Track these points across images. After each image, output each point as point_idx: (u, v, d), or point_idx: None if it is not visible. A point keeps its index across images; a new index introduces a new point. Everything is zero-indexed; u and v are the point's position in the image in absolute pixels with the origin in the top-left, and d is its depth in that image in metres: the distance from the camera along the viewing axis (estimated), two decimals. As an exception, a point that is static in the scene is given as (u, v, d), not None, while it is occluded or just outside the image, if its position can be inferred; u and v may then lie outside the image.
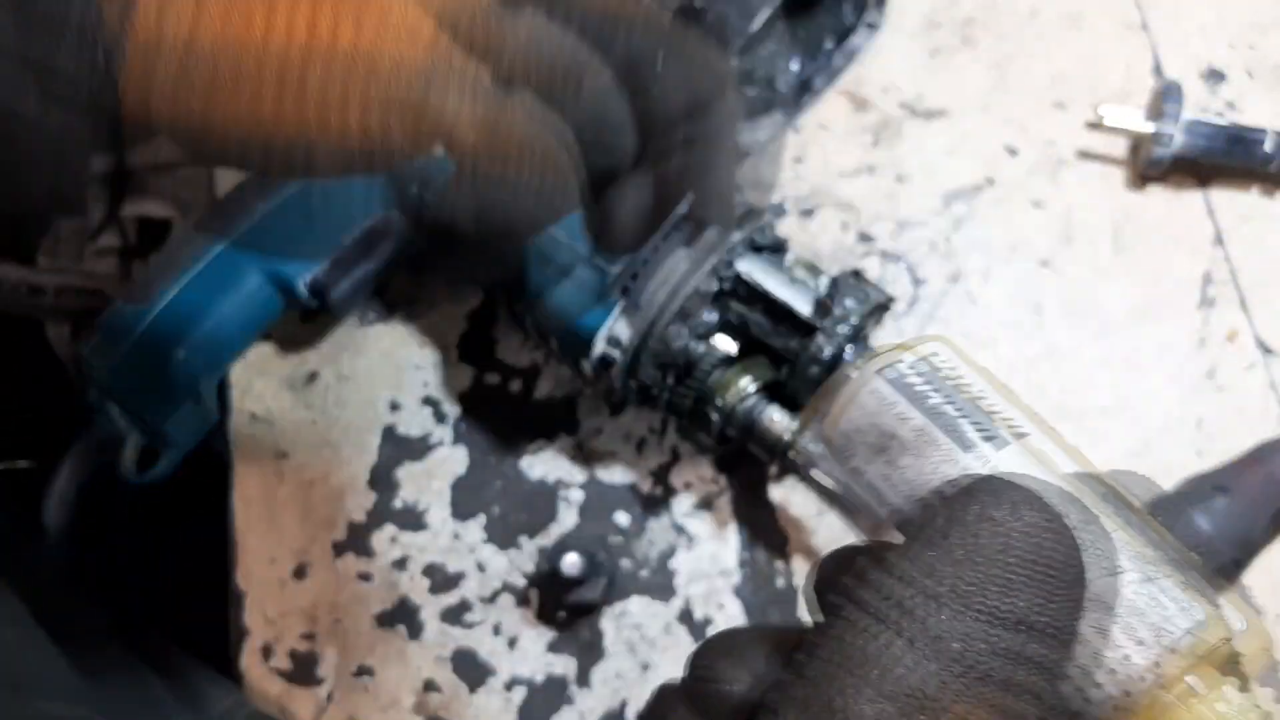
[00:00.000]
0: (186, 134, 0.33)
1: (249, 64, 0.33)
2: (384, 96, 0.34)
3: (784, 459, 0.58)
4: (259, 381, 0.69)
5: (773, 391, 0.59)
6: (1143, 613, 0.26)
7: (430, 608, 0.65)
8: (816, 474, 0.58)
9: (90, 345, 0.63)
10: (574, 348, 0.59)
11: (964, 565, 0.25)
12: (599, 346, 0.58)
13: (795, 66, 0.71)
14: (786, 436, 0.57)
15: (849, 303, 0.57)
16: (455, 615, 0.65)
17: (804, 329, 0.57)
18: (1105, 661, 0.25)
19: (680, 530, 0.66)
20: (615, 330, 0.58)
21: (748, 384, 0.58)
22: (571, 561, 0.61)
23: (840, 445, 0.30)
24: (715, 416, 0.58)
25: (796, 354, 0.57)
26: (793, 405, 0.58)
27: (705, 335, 0.59)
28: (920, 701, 0.24)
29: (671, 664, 0.64)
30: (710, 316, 0.59)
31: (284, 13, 0.33)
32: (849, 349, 0.57)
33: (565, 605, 0.63)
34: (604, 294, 0.57)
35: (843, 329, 0.57)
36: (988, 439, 0.28)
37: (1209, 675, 0.25)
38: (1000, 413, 0.29)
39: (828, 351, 0.57)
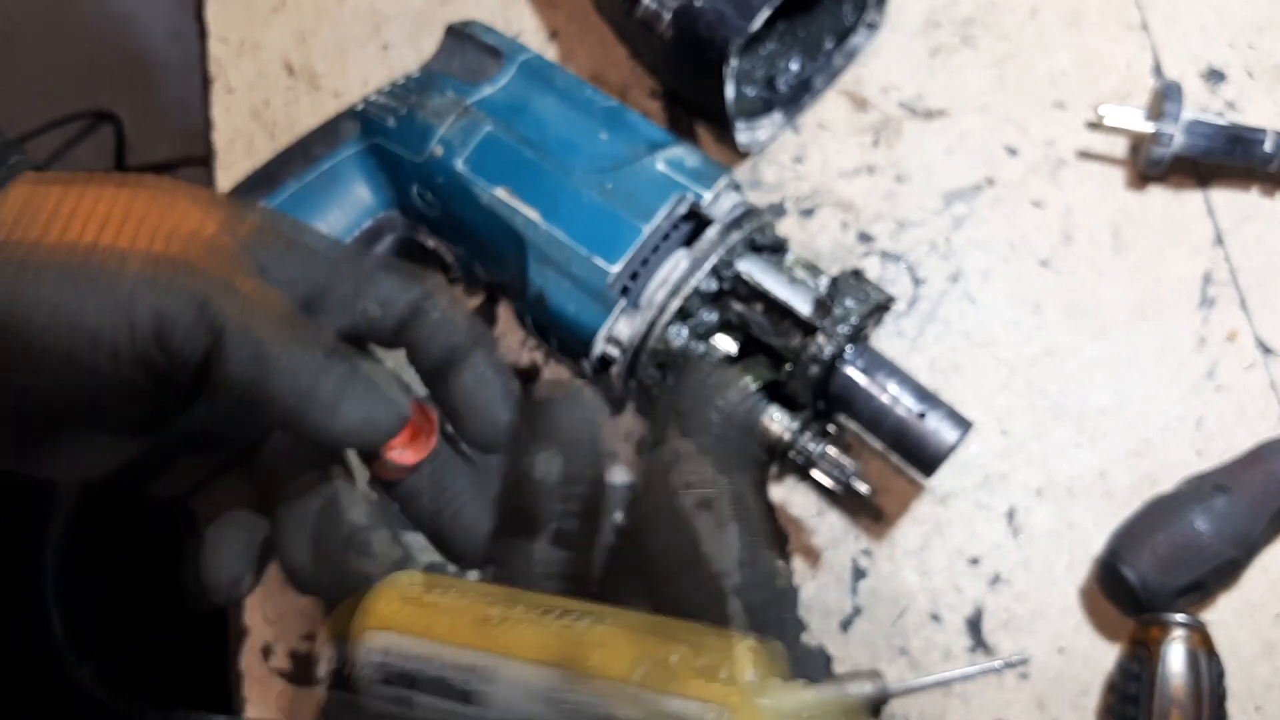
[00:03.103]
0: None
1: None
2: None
3: (784, 459, 0.58)
4: (259, 381, 0.69)
5: (773, 391, 0.59)
6: None
7: (430, 608, 0.65)
8: (816, 474, 0.58)
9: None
10: (574, 347, 0.59)
11: None
12: (599, 346, 0.58)
13: (795, 66, 0.71)
14: (786, 436, 0.57)
15: (849, 302, 0.57)
16: (455, 615, 0.65)
17: (804, 329, 0.57)
18: None
19: (680, 530, 0.66)
20: (615, 330, 0.57)
21: (748, 384, 0.58)
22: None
23: None
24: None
25: (796, 354, 0.57)
26: (792, 405, 0.58)
27: (705, 335, 0.59)
28: None
29: (671, 664, 0.64)
30: (710, 316, 0.59)
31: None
32: (849, 349, 0.57)
33: None
34: (604, 293, 0.57)
35: (843, 329, 0.57)
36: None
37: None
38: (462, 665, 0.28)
39: (828, 351, 0.57)
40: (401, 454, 0.40)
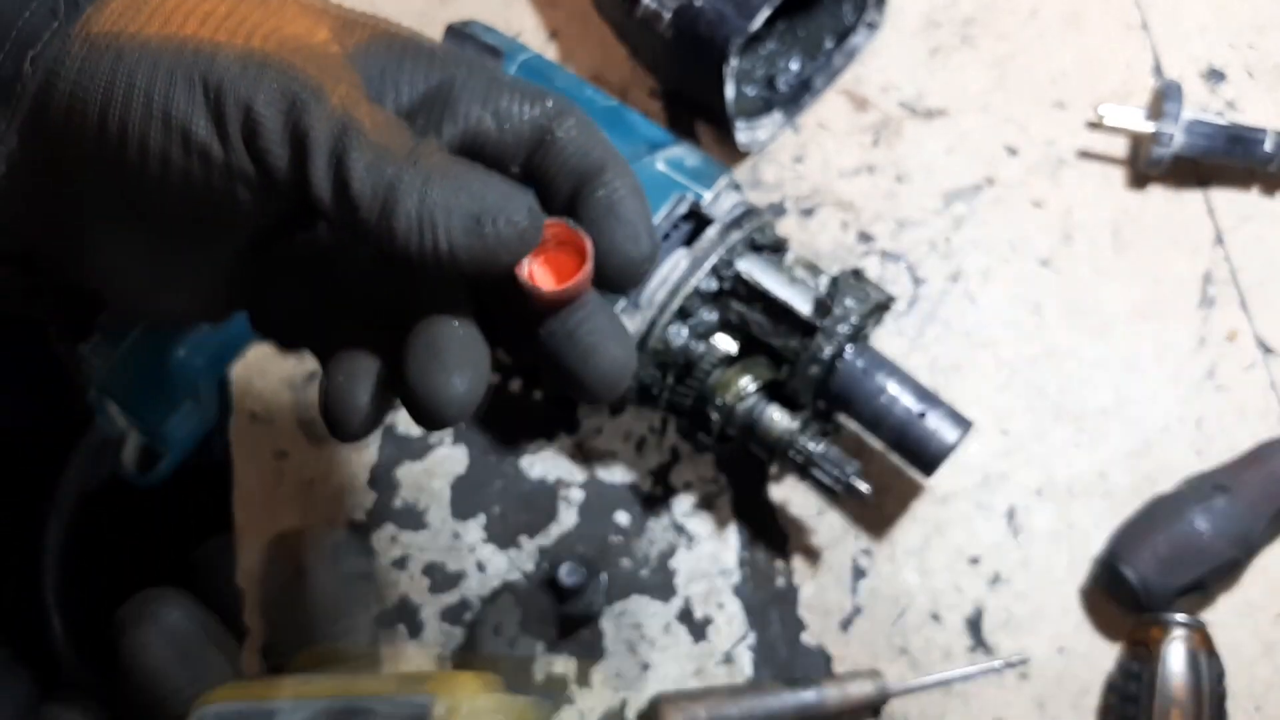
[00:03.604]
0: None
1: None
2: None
3: (784, 458, 0.58)
4: (259, 381, 0.69)
5: (773, 391, 0.59)
6: None
7: (430, 607, 0.65)
8: (816, 473, 0.58)
9: (90, 345, 0.63)
10: (574, 347, 0.59)
11: None
12: (599, 346, 0.58)
13: (795, 66, 0.71)
14: (786, 436, 0.57)
15: (849, 302, 0.57)
16: (455, 614, 0.65)
17: (804, 328, 0.57)
18: None
19: (680, 530, 0.66)
20: (615, 330, 0.58)
21: (748, 383, 0.58)
22: (568, 571, 0.61)
23: None
24: (715, 416, 0.58)
25: (796, 354, 0.57)
26: (793, 405, 0.58)
27: (705, 335, 0.59)
28: None
29: (671, 663, 0.64)
30: (710, 316, 0.59)
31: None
32: (849, 348, 0.57)
33: (562, 615, 0.63)
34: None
35: (843, 328, 0.57)
36: None
37: None
38: None
39: (827, 351, 0.57)
40: (545, 279, 0.33)
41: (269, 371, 0.69)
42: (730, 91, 0.65)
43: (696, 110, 0.72)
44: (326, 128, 0.32)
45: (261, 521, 0.66)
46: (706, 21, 0.63)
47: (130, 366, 0.62)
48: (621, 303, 0.57)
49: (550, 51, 0.74)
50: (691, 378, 0.58)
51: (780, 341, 0.58)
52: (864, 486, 0.57)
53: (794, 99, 0.71)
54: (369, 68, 0.35)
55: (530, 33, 0.75)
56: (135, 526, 0.77)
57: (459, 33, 0.65)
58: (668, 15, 0.65)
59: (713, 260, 0.57)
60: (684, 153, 0.60)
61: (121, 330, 0.62)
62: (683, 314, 0.58)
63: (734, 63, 0.64)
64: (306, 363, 0.69)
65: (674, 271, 0.57)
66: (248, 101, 0.32)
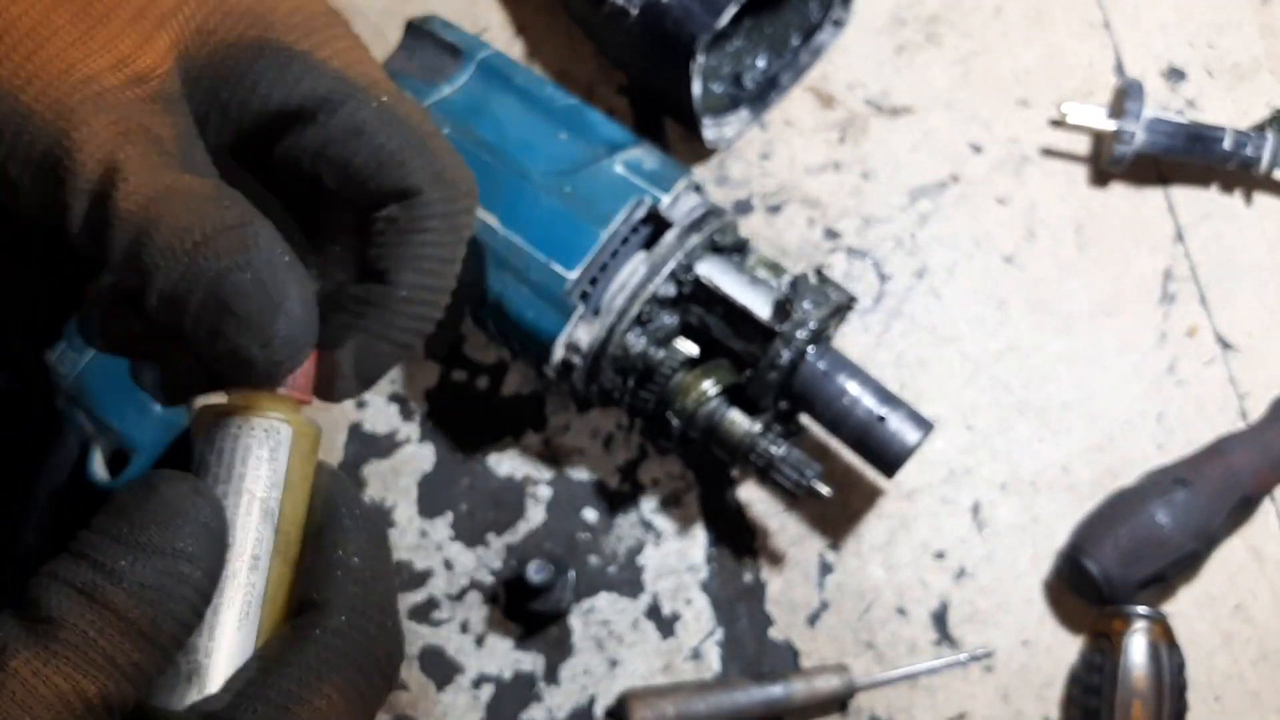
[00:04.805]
0: None
1: None
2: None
3: (745, 462, 0.58)
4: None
5: (734, 394, 0.59)
6: None
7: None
8: (776, 477, 0.58)
9: (57, 351, 0.63)
10: (534, 352, 0.58)
11: None
12: (559, 352, 0.58)
13: (762, 63, 0.72)
14: (747, 440, 0.57)
15: (807, 305, 0.57)
16: (423, 613, 0.65)
17: (763, 333, 0.57)
18: None
19: (648, 526, 0.66)
20: (575, 335, 0.57)
21: (709, 387, 0.58)
22: (536, 568, 0.61)
23: None
24: (675, 421, 0.58)
25: (756, 358, 0.57)
26: (755, 407, 0.58)
27: (665, 339, 0.59)
28: None
29: (639, 659, 0.64)
30: (670, 320, 0.59)
31: None
32: (811, 350, 0.58)
33: (530, 612, 0.63)
34: (562, 300, 0.57)
35: (801, 333, 0.57)
36: None
37: None
38: None
39: (786, 357, 0.57)
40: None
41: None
42: (697, 88, 0.65)
43: (663, 107, 0.72)
44: (82, 197, 0.31)
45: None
46: (673, 18, 0.63)
47: (97, 373, 0.61)
48: (580, 309, 0.57)
49: (516, 47, 0.74)
50: (652, 382, 0.58)
51: (740, 345, 0.58)
52: (825, 490, 0.57)
53: (761, 96, 0.71)
54: (215, 84, 0.33)
55: (496, 28, 0.74)
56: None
57: (418, 29, 0.65)
58: (635, 11, 0.65)
59: (671, 265, 0.57)
60: (643, 155, 0.60)
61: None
62: (641, 320, 0.58)
63: (701, 59, 0.64)
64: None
65: (632, 277, 0.57)
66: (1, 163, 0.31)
